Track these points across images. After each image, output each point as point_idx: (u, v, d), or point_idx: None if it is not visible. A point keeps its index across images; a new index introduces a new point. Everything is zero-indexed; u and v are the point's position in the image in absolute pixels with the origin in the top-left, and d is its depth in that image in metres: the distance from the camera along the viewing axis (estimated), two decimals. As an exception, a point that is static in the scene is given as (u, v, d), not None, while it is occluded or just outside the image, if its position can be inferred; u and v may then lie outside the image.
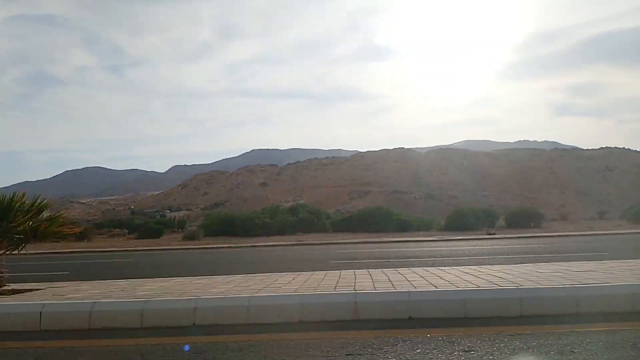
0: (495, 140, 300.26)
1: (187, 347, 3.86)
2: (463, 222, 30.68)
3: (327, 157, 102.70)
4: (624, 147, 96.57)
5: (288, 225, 31.98)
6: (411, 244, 19.88)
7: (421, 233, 30.57)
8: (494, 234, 22.82)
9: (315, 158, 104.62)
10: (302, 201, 67.27)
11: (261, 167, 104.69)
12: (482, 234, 23.33)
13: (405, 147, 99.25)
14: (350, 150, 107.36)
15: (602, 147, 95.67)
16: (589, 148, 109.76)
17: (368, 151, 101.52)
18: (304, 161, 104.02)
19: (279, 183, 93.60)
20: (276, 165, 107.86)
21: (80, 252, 21.11)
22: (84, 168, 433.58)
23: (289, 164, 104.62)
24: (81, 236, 35.41)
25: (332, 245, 20.79)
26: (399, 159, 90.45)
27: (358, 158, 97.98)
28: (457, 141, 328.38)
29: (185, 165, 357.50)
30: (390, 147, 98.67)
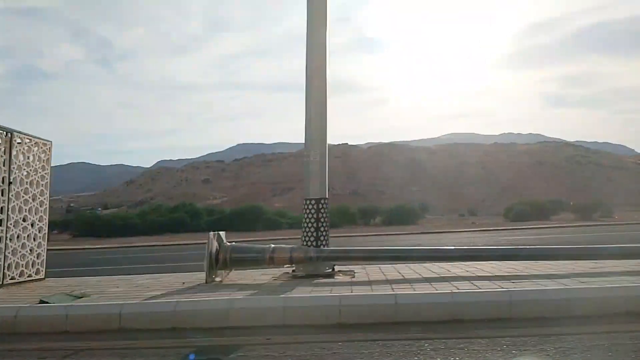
0: (481, 133, 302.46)
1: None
2: (333, 220, 31.10)
3: (272, 153, 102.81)
4: (563, 141, 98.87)
5: (157, 226, 32.02)
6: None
7: (292, 232, 30.89)
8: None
9: (262, 153, 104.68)
10: (225, 199, 67.30)
11: (207, 164, 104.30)
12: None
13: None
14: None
15: (539, 142, 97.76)
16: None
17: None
18: (251, 157, 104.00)
19: (222, 180, 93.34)
20: (222, 161, 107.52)
21: None
22: (68, 164, 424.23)
23: (236, 160, 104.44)
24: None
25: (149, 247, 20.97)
26: (340, 154, 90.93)
27: (302, 154, 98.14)
28: (442, 134, 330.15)
29: (170, 160, 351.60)
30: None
